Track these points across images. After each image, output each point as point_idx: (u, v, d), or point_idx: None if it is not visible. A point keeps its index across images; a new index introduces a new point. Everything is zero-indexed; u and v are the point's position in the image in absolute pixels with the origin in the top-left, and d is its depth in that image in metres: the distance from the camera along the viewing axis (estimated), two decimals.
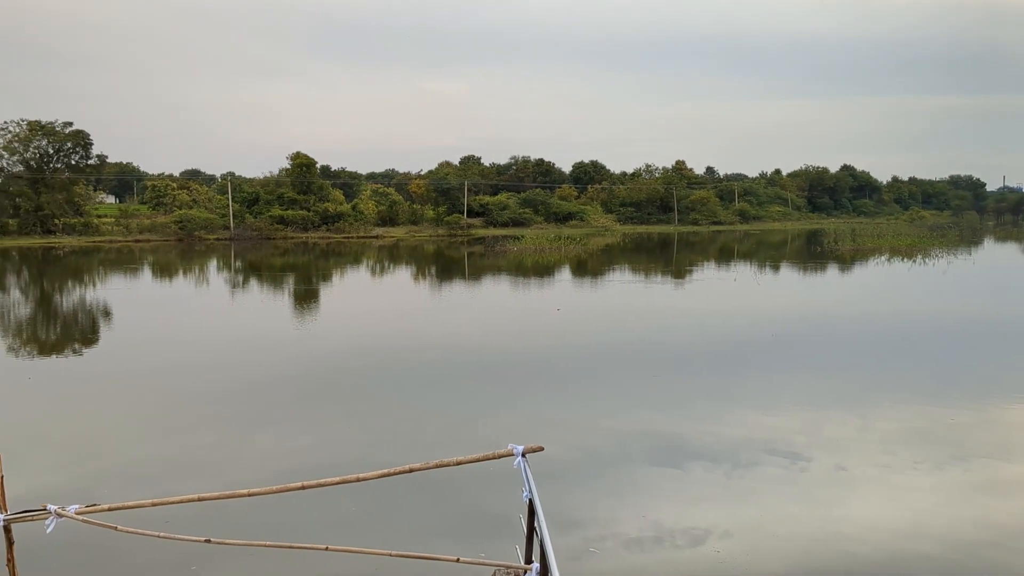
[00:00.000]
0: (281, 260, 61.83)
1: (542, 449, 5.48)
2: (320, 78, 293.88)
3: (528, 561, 5.89)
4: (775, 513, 10.37)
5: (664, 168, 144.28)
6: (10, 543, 5.93)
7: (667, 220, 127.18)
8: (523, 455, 5.47)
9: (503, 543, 8.71)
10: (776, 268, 53.50)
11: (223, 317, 30.52)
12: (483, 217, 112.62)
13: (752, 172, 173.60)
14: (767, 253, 70.38)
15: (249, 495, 6.02)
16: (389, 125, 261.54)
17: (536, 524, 5.21)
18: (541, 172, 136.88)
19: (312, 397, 17.14)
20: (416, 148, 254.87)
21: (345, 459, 12.49)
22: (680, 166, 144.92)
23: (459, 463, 5.67)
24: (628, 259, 62.24)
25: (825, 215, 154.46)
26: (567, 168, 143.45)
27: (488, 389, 17.60)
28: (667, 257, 64.82)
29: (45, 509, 5.73)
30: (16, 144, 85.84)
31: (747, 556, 9.12)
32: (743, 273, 48.32)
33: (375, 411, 15.75)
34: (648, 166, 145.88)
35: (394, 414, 15.46)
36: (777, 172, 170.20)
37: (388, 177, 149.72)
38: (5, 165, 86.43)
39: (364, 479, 5.79)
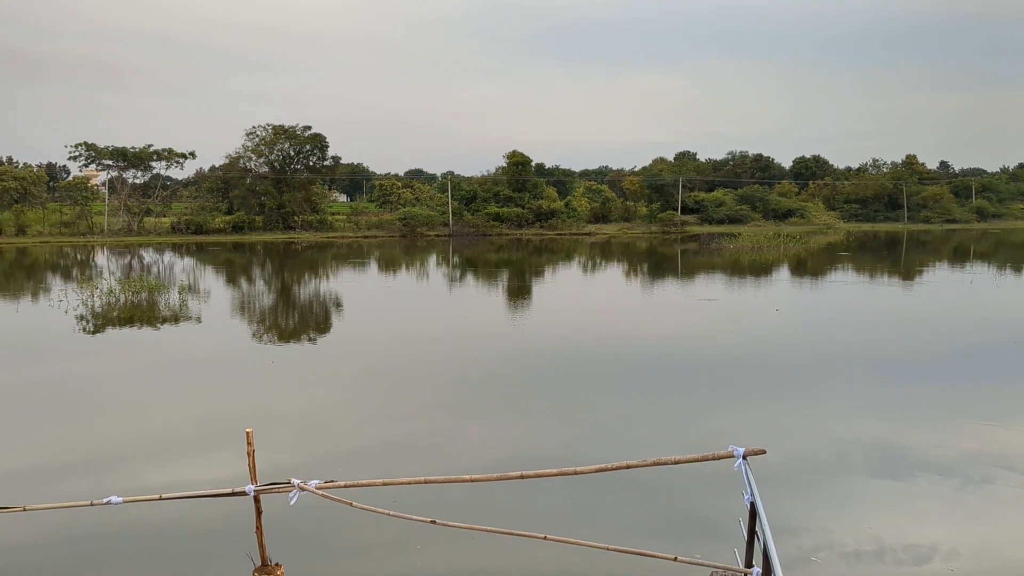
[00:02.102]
0: (496, 256, 63.64)
1: (764, 452, 5.36)
2: (535, 77, 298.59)
3: (748, 565, 5.82)
4: (1012, 535, 9.63)
5: (893, 163, 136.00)
6: (258, 512, 6.56)
7: (895, 218, 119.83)
8: (744, 457, 5.39)
9: (716, 545, 8.65)
10: (1018, 270, 49.09)
11: (442, 310, 31.88)
12: (698, 214, 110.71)
13: (992, 166, 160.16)
14: (1009, 254, 64.65)
15: (471, 480, 6.35)
16: (603, 121, 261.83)
17: (759, 528, 5.14)
18: (759, 168, 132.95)
19: (524, 390, 17.62)
20: (629, 144, 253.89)
21: (556, 452, 12.74)
22: (911, 160, 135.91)
23: (677, 462, 5.67)
24: (852, 258, 59.12)
25: None
26: (787, 163, 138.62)
27: (700, 388, 17.36)
28: (895, 257, 61.05)
29: (290, 483, 6.31)
30: (263, 147, 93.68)
31: None
32: (981, 275, 44.73)
33: (584, 406, 15.94)
34: (875, 161, 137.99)
35: (603, 410, 15.61)
36: (1021, 166, 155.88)
37: (601, 174, 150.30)
38: (253, 166, 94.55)
39: (581, 472, 5.93)
